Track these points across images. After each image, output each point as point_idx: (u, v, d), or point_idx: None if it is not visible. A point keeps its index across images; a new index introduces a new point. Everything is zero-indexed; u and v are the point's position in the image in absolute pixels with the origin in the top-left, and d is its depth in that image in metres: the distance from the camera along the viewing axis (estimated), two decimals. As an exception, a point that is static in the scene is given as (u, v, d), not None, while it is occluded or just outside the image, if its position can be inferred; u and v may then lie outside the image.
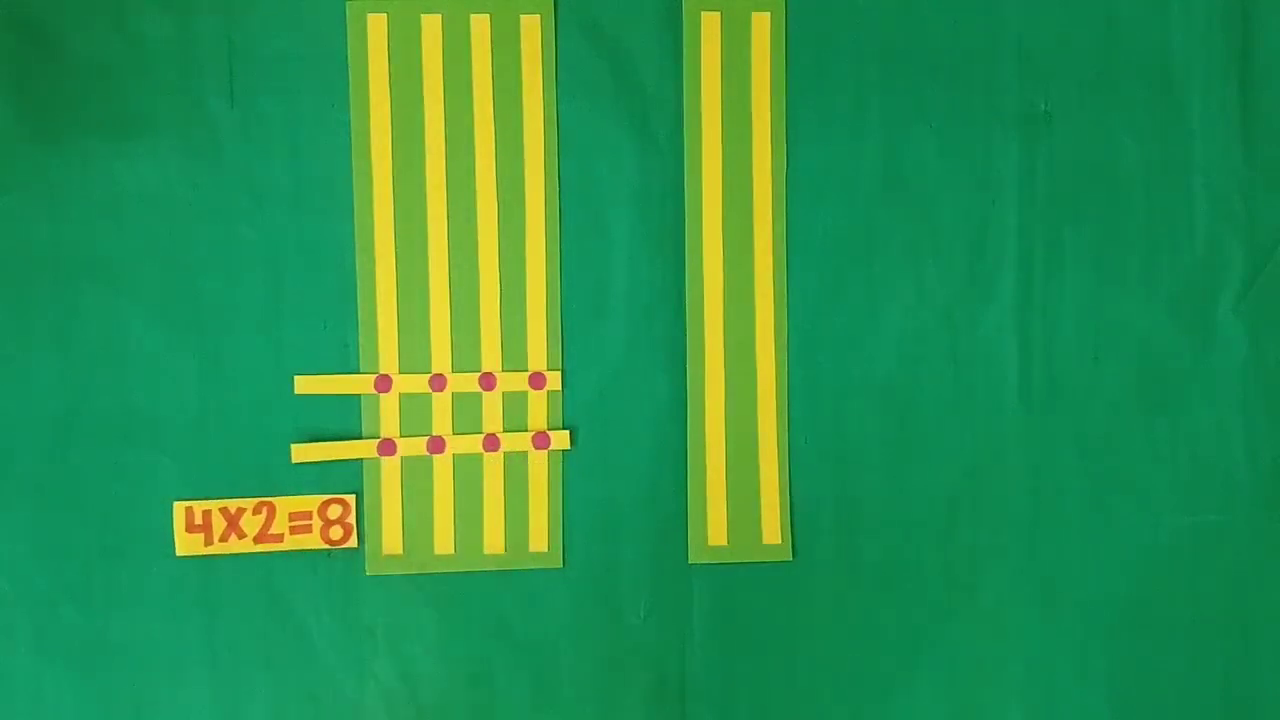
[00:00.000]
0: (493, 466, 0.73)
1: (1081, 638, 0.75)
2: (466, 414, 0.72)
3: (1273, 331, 0.76)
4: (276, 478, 0.71)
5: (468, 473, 0.72)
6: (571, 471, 0.73)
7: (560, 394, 0.73)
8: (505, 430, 0.73)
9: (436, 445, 0.72)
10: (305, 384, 0.71)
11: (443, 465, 0.72)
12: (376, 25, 0.71)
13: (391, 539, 0.72)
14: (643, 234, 0.73)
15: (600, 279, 0.73)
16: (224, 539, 0.71)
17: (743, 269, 0.73)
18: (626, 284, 0.73)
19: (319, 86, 0.71)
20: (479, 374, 0.72)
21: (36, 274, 0.70)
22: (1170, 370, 0.75)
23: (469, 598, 0.73)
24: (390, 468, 0.72)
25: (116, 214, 0.71)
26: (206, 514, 0.71)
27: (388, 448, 0.72)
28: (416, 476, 0.72)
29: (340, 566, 0.72)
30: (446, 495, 0.72)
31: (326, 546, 0.72)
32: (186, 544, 0.71)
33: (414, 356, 0.72)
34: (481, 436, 0.72)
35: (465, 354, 0.72)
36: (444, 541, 0.72)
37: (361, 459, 0.72)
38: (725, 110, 0.73)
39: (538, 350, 0.73)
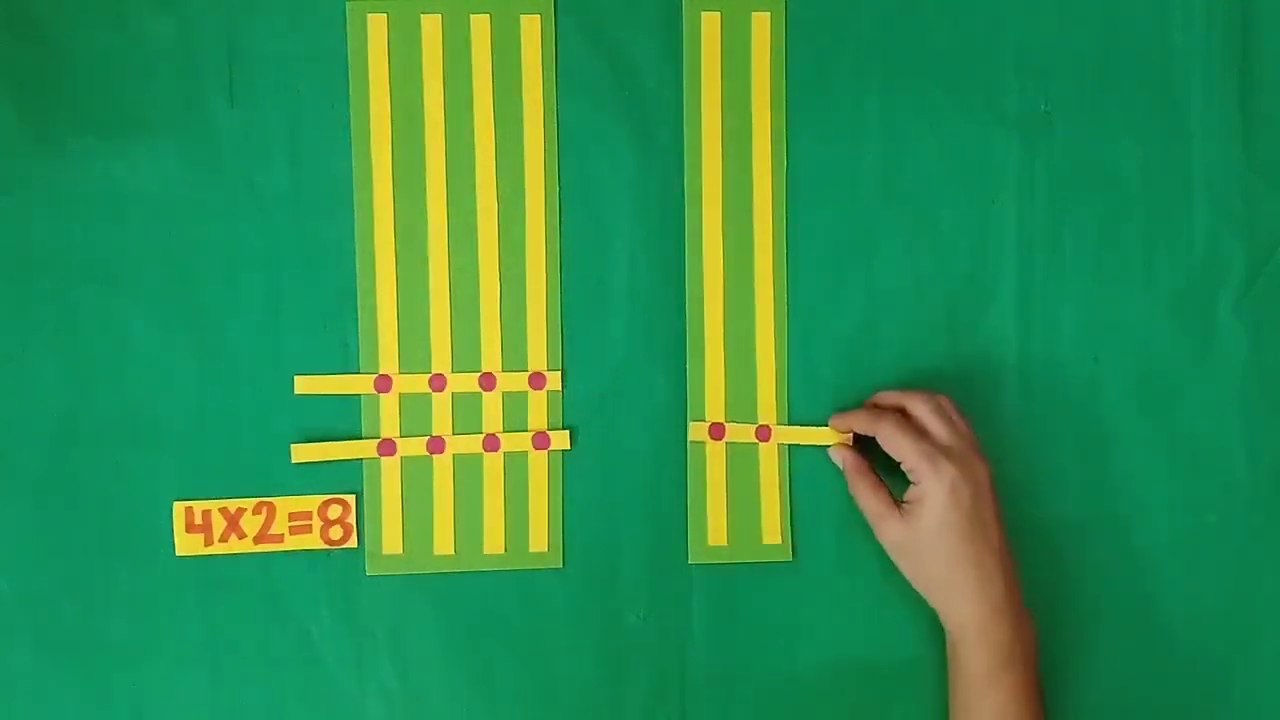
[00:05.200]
0: (493, 467, 0.73)
1: (1081, 638, 0.75)
2: (466, 414, 0.72)
3: (1273, 331, 0.76)
4: (276, 478, 0.71)
5: (468, 473, 0.72)
6: (571, 471, 0.73)
7: (560, 394, 0.73)
8: (505, 430, 0.73)
9: (436, 445, 0.72)
10: (305, 384, 0.71)
11: (443, 465, 0.72)
12: (376, 25, 0.71)
13: (391, 539, 0.72)
14: (643, 234, 0.73)
15: (600, 279, 0.73)
16: (224, 539, 0.71)
17: (743, 269, 0.73)
18: (626, 284, 0.73)
19: (319, 86, 0.71)
20: (479, 374, 0.72)
21: (36, 274, 0.70)
22: (1170, 370, 0.75)
23: (469, 598, 0.72)
24: (390, 468, 0.72)
25: (116, 214, 0.71)
26: (206, 514, 0.71)
27: (388, 448, 0.72)
28: (416, 476, 0.72)
29: (340, 566, 0.72)
30: (446, 495, 0.72)
31: (326, 547, 0.72)
32: (186, 544, 0.71)
33: (414, 356, 0.72)
34: (481, 436, 0.72)
35: (465, 354, 0.72)
36: (444, 541, 0.72)
37: (361, 459, 0.72)
38: (725, 110, 0.73)
39: (538, 350, 0.73)
